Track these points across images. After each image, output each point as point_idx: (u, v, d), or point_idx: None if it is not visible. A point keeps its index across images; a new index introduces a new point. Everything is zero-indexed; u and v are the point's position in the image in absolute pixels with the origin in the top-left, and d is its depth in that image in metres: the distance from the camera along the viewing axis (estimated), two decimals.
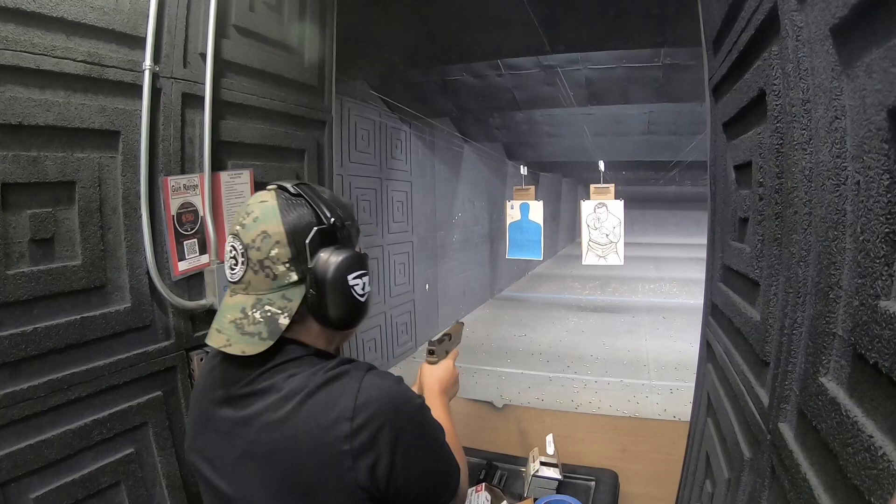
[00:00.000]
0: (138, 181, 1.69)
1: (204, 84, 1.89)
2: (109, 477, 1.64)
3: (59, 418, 1.52)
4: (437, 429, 1.15)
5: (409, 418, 1.05)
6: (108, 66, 1.59)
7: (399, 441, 1.01)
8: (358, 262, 1.11)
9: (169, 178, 1.79)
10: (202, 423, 1.15)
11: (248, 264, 1.07)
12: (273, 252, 1.05)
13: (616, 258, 6.52)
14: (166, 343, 1.81)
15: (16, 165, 1.39)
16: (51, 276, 1.48)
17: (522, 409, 2.81)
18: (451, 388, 1.58)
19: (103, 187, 1.62)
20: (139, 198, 1.69)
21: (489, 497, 1.78)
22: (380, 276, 6.46)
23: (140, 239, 1.71)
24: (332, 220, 1.10)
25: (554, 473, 2.04)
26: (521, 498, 1.99)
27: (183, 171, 1.85)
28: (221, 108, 1.98)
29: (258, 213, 1.08)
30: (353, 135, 5.69)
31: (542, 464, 2.07)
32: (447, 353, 1.66)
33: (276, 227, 1.06)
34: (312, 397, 1.01)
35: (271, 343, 1.04)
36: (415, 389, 1.59)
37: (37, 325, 1.45)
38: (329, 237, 1.10)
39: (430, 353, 1.62)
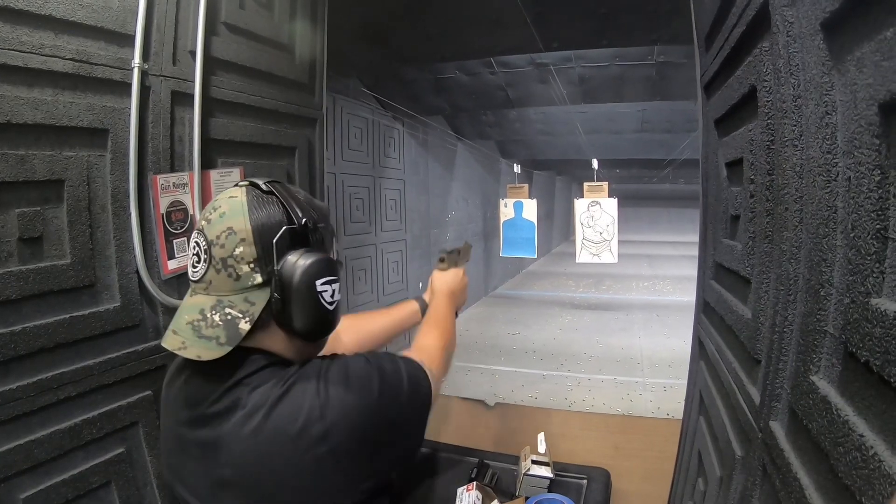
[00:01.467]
0: (127, 179, 1.67)
1: (193, 82, 1.87)
2: (100, 477, 1.63)
3: (49, 418, 1.51)
4: (398, 376, 1.12)
5: (379, 391, 1.04)
6: (96, 64, 1.58)
7: (380, 421, 1.02)
8: (328, 267, 1.06)
9: (158, 176, 1.77)
10: (173, 444, 1.11)
11: (210, 262, 1.01)
12: (237, 250, 1.00)
13: (610, 256, 6.54)
14: (156, 342, 1.79)
15: (3, 164, 1.37)
16: (39, 275, 1.47)
17: (514, 407, 2.81)
18: (459, 295, 1.73)
19: (92, 186, 1.60)
20: (128, 196, 1.68)
21: (480, 496, 1.77)
22: (373, 275, 6.45)
23: (129, 238, 1.69)
24: (304, 220, 1.05)
25: (545, 472, 2.03)
26: (513, 497, 1.98)
27: (172, 170, 1.84)
28: (211, 105, 1.97)
29: (225, 208, 1.03)
30: (345, 133, 5.66)
31: (534, 462, 2.06)
32: (456, 265, 1.83)
33: (243, 223, 1.01)
34: (276, 408, 0.96)
35: (229, 349, 0.98)
36: (425, 297, 1.79)
37: (26, 325, 1.44)
38: (299, 239, 1.05)
39: (441, 260, 1.81)
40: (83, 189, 1.57)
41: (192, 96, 1.87)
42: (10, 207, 1.41)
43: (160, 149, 1.79)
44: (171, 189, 1.82)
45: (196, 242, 1.04)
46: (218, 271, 1.01)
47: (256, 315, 1.02)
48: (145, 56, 1.70)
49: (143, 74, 1.70)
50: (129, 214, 1.68)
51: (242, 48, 2.10)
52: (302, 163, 2.46)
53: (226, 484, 0.99)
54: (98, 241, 1.63)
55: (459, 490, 1.79)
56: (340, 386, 1.01)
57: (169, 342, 1.01)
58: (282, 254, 1.02)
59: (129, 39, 1.66)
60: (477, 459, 2.25)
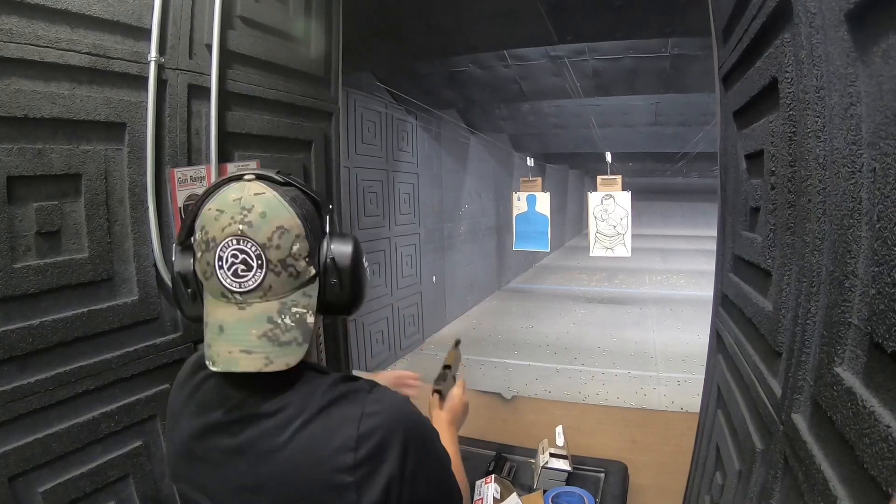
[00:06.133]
0: (145, 173, 1.68)
1: (210, 75, 1.88)
2: (118, 470, 1.65)
3: (67, 412, 1.52)
4: (445, 457, 1.09)
5: (415, 446, 0.98)
6: (113, 58, 1.58)
7: (404, 472, 0.95)
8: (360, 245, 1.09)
9: (175, 169, 1.78)
10: (186, 451, 1.06)
11: (267, 266, 0.94)
12: (295, 248, 0.96)
13: (623, 250, 6.52)
14: (174, 335, 1.80)
15: (21, 158, 1.38)
16: (58, 269, 1.48)
17: (531, 400, 2.81)
18: (460, 419, 1.52)
19: (109, 179, 1.61)
20: (146, 190, 1.68)
21: (498, 489, 1.77)
22: (387, 269, 6.46)
23: (147, 231, 1.70)
24: (330, 205, 1.06)
25: (563, 465, 2.03)
26: (531, 490, 1.98)
27: (189, 163, 1.84)
28: (227, 99, 1.97)
29: (262, 207, 0.95)
30: (359, 127, 5.67)
31: (552, 455, 2.06)
32: (454, 379, 1.60)
33: (291, 219, 0.96)
34: (310, 425, 0.93)
35: (307, 346, 0.95)
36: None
37: (44, 319, 1.45)
38: (328, 223, 1.06)
39: (438, 393, 1.52)
40: (101, 183, 1.58)
41: (208, 90, 1.88)
42: (29, 201, 1.42)
43: (177, 142, 1.79)
44: (189, 182, 1.82)
45: (236, 251, 0.94)
46: (278, 274, 0.95)
47: (314, 305, 1.01)
48: (161, 50, 1.70)
49: (160, 68, 1.70)
50: (147, 208, 1.69)
51: (258, 41, 2.10)
52: (318, 156, 2.46)
53: (247, 491, 0.96)
54: (116, 235, 1.64)
55: (478, 483, 1.79)
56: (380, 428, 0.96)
57: (246, 364, 0.92)
58: (321, 241, 1.04)
59: (145, 33, 1.66)
60: (494, 452, 2.25)
